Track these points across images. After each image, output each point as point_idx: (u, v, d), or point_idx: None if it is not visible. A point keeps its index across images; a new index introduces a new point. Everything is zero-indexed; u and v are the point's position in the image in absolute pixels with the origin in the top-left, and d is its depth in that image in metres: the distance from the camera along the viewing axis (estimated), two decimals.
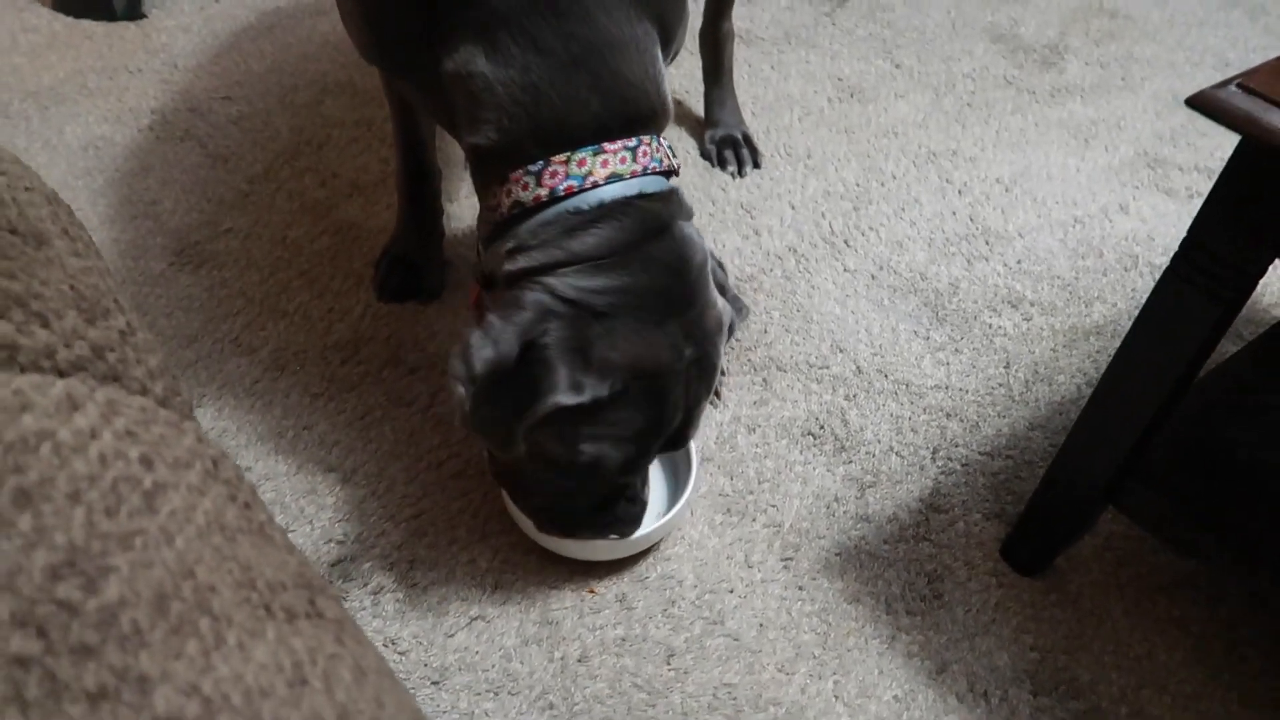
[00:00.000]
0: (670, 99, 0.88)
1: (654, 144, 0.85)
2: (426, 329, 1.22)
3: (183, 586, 0.35)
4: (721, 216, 1.41)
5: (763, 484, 1.08)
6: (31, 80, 1.55)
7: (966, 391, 1.19)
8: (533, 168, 0.82)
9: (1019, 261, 1.36)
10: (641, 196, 0.82)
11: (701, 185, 1.46)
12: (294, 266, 1.28)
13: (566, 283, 0.79)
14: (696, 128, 1.55)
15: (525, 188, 0.82)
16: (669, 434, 0.87)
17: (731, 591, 0.99)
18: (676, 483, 1.05)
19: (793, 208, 1.42)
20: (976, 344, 1.24)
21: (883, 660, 0.94)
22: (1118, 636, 0.96)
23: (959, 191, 1.47)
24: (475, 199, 1.40)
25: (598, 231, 0.80)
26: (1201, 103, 0.64)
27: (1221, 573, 1.00)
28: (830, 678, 0.93)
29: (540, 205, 0.82)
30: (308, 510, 1.03)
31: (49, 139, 1.44)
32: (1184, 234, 0.73)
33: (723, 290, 0.91)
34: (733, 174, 1.47)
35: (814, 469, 1.10)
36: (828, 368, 1.20)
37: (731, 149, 1.49)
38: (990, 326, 1.27)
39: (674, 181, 0.88)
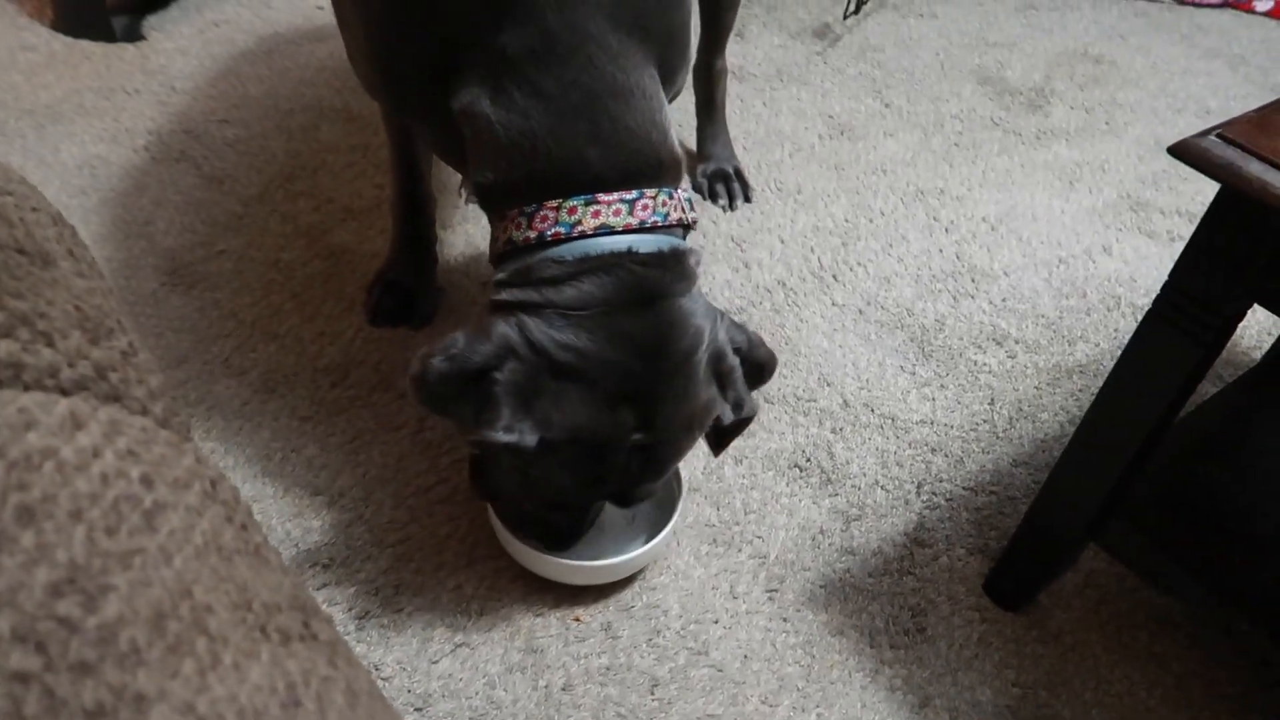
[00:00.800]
0: (678, 148, 0.87)
1: (660, 197, 0.84)
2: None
3: (180, 606, 0.35)
4: (712, 249, 1.42)
5: (749, 515, 1.09)
6: (29, 98, 1.56)
7: (951, 427, 1.20)
8: (527, 209, 0.83)
9: (1004, 300, 1.38)
10: (633, 254, 0.80)
11: None
12: (286, 289, 1.29)
13: (538, 325, 0.80)
14: (689, 161, 1.57)
15: (518, 227, 0.83)
16: (601, 497, 0.90)
17: (716, 622, 0.99)
18: (662, 511, 1.06)
19: (782, 242, 1.44)
20: (962, 380, 1.26)
21: (866, 694, 0.94)
22: (1099, 673, 0.97)
23: (946, 229, 1.49)
24: (469, 226, 1.42)
25: (578, 285, 0.80)
26: (1183, 151, 0.66)
27: (1201, 610, 1.01)
28: (813, 710, 0.93)
29: (529, 246, 0.83)
30: (294, 533, 1.03)
31: (44, 157, 1.45)
32: (1165, 276, 0.75)
33: (724, 383, 0.87)
34: (723, 207, 1.49)
35: (800, 501, 1.11)
36: (815, 401, 1.21)
37: (723, 183, 1.51)
38: (975, 363, 1.28)
39: (688, 237, 0.88)
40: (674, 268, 0.82)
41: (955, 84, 1.83)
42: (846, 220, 1.49)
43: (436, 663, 0.94)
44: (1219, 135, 0.66)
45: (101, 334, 0.44)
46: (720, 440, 0.93)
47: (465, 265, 1.35)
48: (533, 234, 0.82)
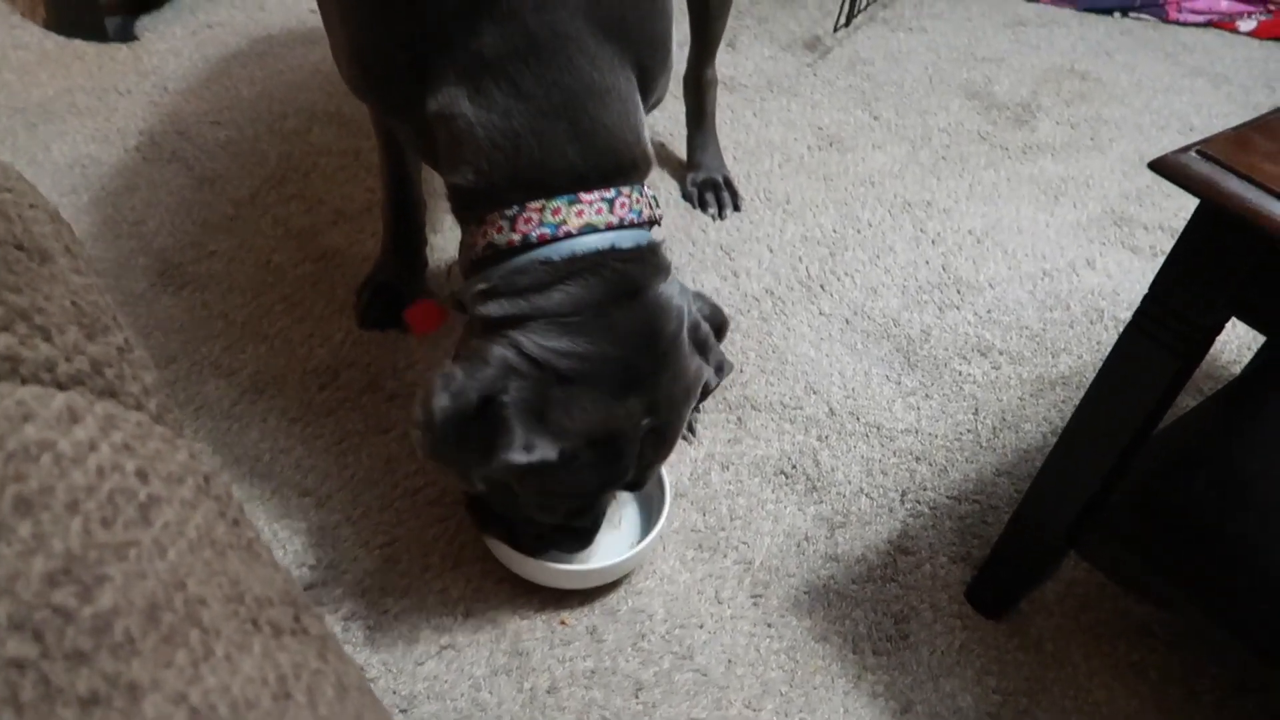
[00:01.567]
0: (650, 148, 0.89)
1: (634, 195, 0.86)
2: (406, 357, 1.23)
3: (174, 598, 0.36)
4: (701, 257, 1.43)
5: (734, 521, 1.10)
6: (20, 97, 1.56)
7: (936, 436, 1.21)
8: (508, 212, 0.83)
9: (989, 311, 1.39)
10: (615, 251, 0.82)
11: (682, 226, 1.48)
12: (276, 291, 1.29)
13: (533, 340, 0.80)
14: (679, 170, 1.58)
15: (500, 230, 0.83)
16: (619, 487, 0.90)
17: (701, 627, 1.00)
18: (649, 515, 1.07)
19: (771, 251, 1.45)
20: (946, 390, 1.27)
21: (848, 699, 0.95)
22: (1078, 681, 0.98)
23: (932, 241, 1.50)
24: (459, 231, 1.42)
25: (566, 289, 0.81)
26: (1163, 167, 0.67)
27: (1178, 618, 1.03)
28: (796, 715, 0.94)
29: (513, 250, 0.83)
30: (281, 534, 1.03)
31: (35, 155, 1.45)
32: (1147, 290, 0.76)
33: (704, 349, 0.91)
34: (713, 216, 1.50)
35: (785, 508, 1.11)
36: (801, 409, 1.22)
37: (712, 191, 1.52)
38: (960, 374, 1.30)
39: (656, 232, 0.90)
40: (652, 261, 0.85)
41: (943, 98, 1.85)
42: (834, 230, 1.50)
43: (422, 664, 0.94)
44: (1198, 152, 0.68)
45: (98, 330, 0.45)
46: (702, 397, 0.95)
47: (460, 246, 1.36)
48: (516, 236, 0.82)
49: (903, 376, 1.28)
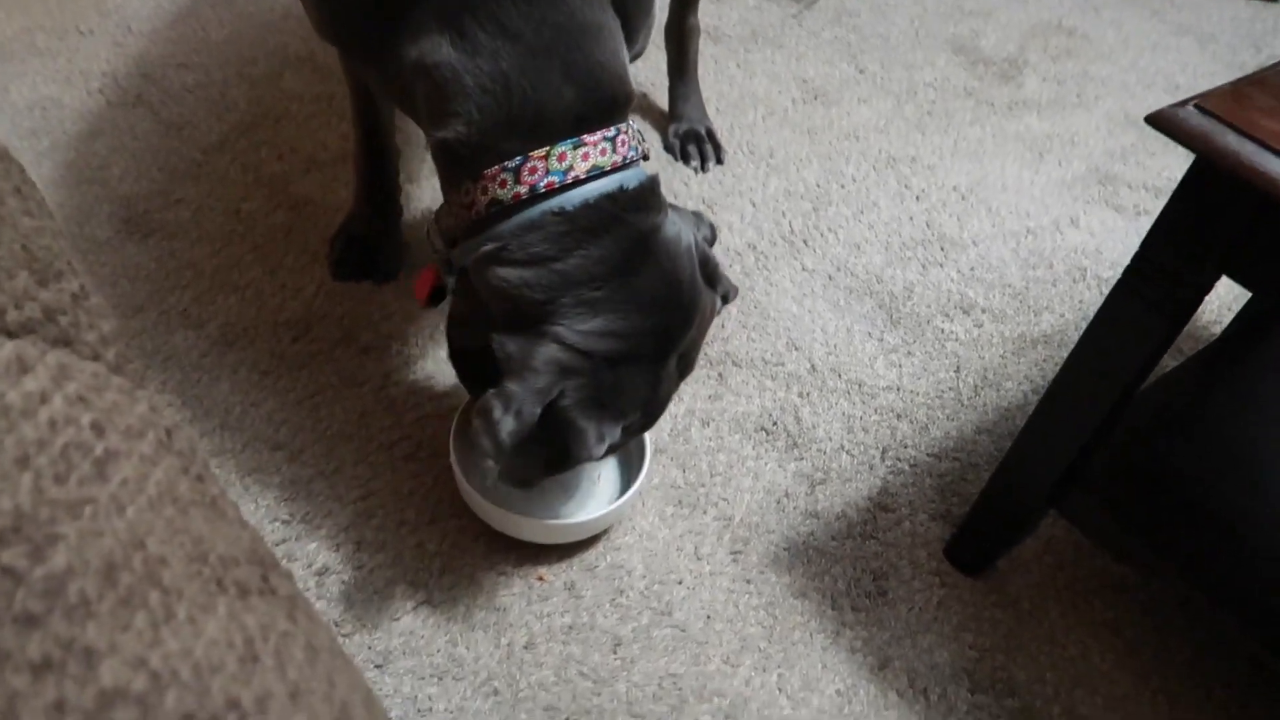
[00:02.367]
0: (633, 86, 0.88)
1: (630, 131, 0.84)
2: (381, 309, 1.20)
3: (133, 558, 0.34)
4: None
5: (715, 477, 1.09)
6: None
7: (917, 394, 1.21)
8: (510, 164, 0.79)
9: (972, 269, 1.38)
10: (624, 194, 0.80)
11: (664, 179, 1.45)
12: (247, 241, 1.26)
13: (572, 329, 0.78)
14: (661, 121, 1.55)
15: (503, 185, 0.79)
16: (652, 424, 0.92)
17: (680, 583, 0.99)
18: (629, 471, 1.06)
19: (754, 205, 1.43)
20: (928, 348, 1.26)
21: (826, 655, 0.95)
22: (1054, 637, 0.99)
23: (917, 197, 1.49)
24: (435, 179, 1.39)
25: (585, 252, 0.78)
26: (1160, 121, 0.66)
27: (1154, 578, 1.04)
28: (775, 670, 0.94)
29: (521, 203, 0.79)
30: (253, 489, 1.01)
31: None
32: (1131, 250, 0.75)
33: (713, 280, 0.91)
34: (695, 169, 1.48)
35: (766, 464, 1.11)
36: (783, 365, 1.21)
37: (695, 144, 1.49)
38: (942, 331, 1.29)
39: (647, 167, 0.88)
40: (654, 201, 0.84)
41: (930, 52, 1.82)
42: (818, 185, 1.48)
43: (398, 619, 0.93)
44: (1196, 106, 0.66)
45: (50, 276, 0.42)
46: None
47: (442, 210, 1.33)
48: (523, 189, 0.78)
49: (885, 333, 1.27)
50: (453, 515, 1.01)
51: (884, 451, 1.14)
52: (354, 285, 1.22)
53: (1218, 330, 1.34)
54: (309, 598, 0.92)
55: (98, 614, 0.31)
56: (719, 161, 1.49)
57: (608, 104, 0.82)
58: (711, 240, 0.95)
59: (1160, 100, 1.77)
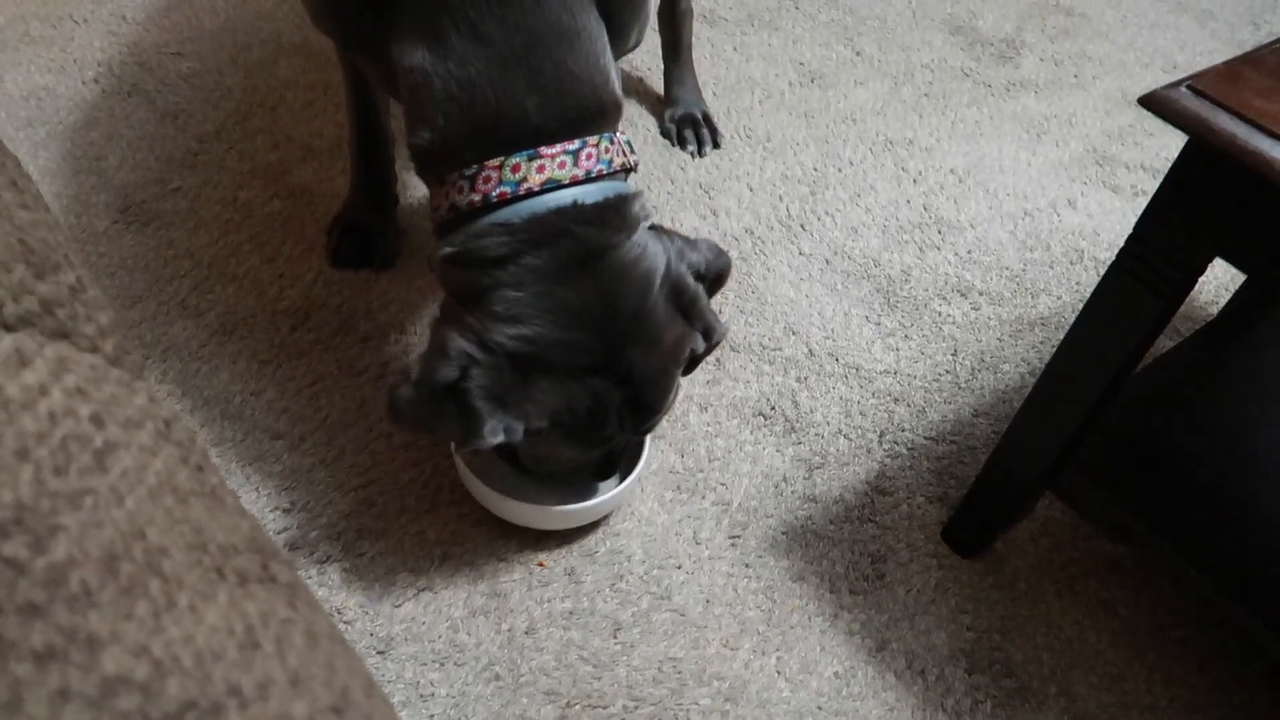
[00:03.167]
0: (620, 91, 0.85)
1: (601, 145, 0.82)
2: (379, 297, 1.20)
3: (133, 547, 0.35)
4: (680, 196, 1.41)
5: (713, 462, 1.09)
6: None
7: (914, 377, 1.21)
8: (467, 172, 0.80)
9: (969, 251, 1.38)
10: (578, 209, 0.79)
11: (660, 164, 1.45)
12: (244, 229, 1.26)
13: (488, 323, 0.79)
14: (656, 105, 1.55)
15: (460, 192, 0.80)
16: (610, 446, 0.90)
17: (679, 567, 1.00)
18: (628, 457, 1.06)
19: (751, 190, 1.43)
20: (926, 331, 1.27)
21: (825, 637, 0.96)
22: (1050, 618, 1.00)
23: (914, 180, 1.49)
24: None
25: (523, 262, 0.78)
26: (1153, 102, 0.66)
27: (1149, 558, 1.04)
28: (773, 654, 0.94)
29: (475, 210, 0.80)
30: (254, 478, 1.02)
31: None
32: (1128, 230, 0.75)
33: (689, 313, 0.86)
34: (692, 153, 1.47)
35: (764, 449, 1.11)
36: (780, 350, 1.22)
37: (691, 128, 1.49)
38: (940, 314, 1.29)
39: (631, 180, 0.86)
40: (614, 220, 0.81)
41: (926, 33, 1.82)
42: (815, 169, 1.48)
43: (399, 606, 0.94)
44: (1189, 87, 0.66)
45: (48, 268, 0.43)
46: (691, 365, 0.91)
47: (427, 206, 1.33)
48: (477, 197, 0.79)
49: (882, 317, 1.28)
50: (453, 502, 1.02)
51: (881, 435, 1.14)
52: (352, 273, 1.22)
53: (1214, 311, 1.34)
54: (310, 586, 0.93)
55: (99, 603, 0.32)
56: (715, 145, 1.49)
57: (576, 115, 0.81)
58: (713, 273, 0.90)
59: (1158, 79, 1.77)
